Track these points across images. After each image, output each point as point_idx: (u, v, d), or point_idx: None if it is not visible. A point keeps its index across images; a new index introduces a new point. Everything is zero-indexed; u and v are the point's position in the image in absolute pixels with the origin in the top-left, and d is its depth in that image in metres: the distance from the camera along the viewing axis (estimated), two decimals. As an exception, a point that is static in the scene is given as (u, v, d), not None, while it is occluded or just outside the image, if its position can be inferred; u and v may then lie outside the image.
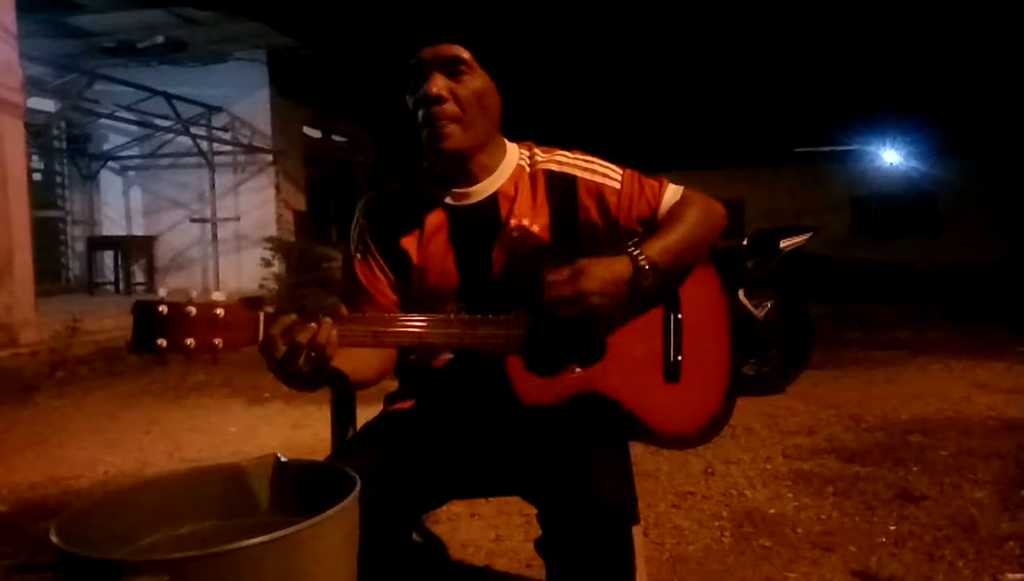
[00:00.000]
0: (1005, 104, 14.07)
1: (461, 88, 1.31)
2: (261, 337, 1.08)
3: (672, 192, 1.44)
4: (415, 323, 1.21)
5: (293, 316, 1.09)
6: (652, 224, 1.42)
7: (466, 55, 1.31)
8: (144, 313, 1.03)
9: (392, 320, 1.21)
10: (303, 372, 1.10)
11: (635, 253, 1.29)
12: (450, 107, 1.30)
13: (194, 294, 1.05)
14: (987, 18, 12.61)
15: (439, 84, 1.29)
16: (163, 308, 1.02)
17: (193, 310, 1.03)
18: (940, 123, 14.62)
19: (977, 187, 16.16)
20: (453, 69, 1.31)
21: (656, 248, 1.31)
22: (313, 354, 1.09)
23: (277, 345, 1.07)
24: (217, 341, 1.05)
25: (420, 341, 1.21)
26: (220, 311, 1.05)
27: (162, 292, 1.04)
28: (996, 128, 14.66)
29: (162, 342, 1.02)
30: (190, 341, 1.03)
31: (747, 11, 12.81)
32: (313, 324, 1.09)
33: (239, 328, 1.07)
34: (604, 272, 1.25)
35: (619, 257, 1.28)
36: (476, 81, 1.32)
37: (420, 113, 1.33)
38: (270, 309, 1.09)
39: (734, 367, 1.48)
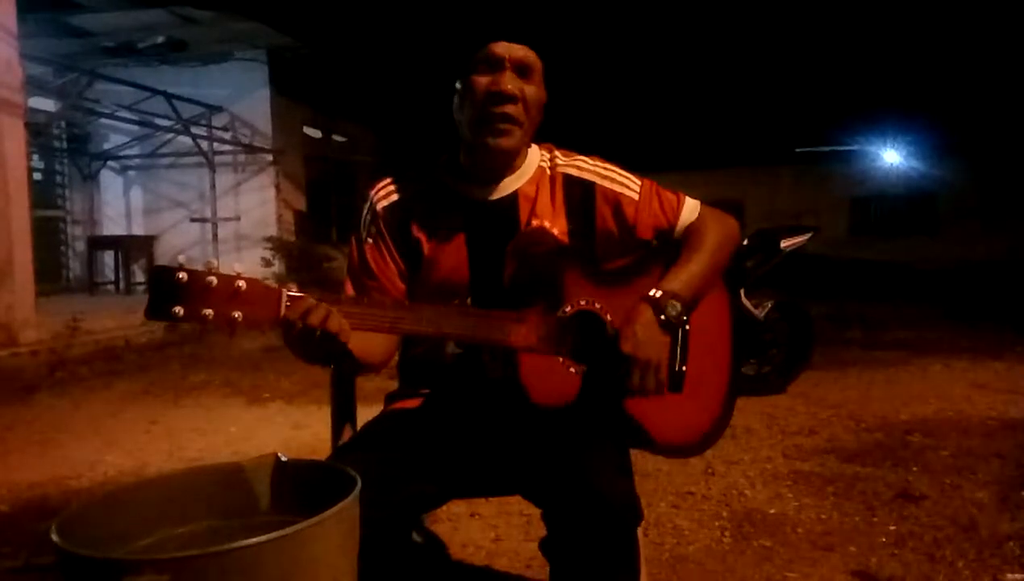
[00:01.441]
0: (1005, 104, 14.07)
1: (529, 92, 1.33)
2: (283, 316, 1.07)
3: (689, 209, 1.45)
4: (433, 311, 1.21)
5: (313, 301, 1.08)
6: (668, 238, 1.44)
7: (539, 64, 1.35)
8: (163, 278, 0.98)
9: (411, 307, 1.21)
10: (318, 353, 1.14)
11: (656, 296, 1.30)
12: (518, 109, 1.32)
13: (215, 264, 1.01)
14: (987, 18, 12.60)
15: (515, 84, 1.31)
16: (183, 275, 0.98)
17: (214, 280, 0.99)
18: (940, 123, 14.61)
19: (977, 187, 16.16)
20: (525, 73, 1.33)
21: (680, 281, 1.33)
22: (329, 339, 1.10)
23: (296, 327, 1.07)
24: (237, 314, 1.01)
25: (437, 330, 1.21)
26: (242, 284, 1.01)
27: (181, 258, 1.01)
28: (996, 128, 14.65)
29: (179, 310, 0.98)
30: (208, 311, 0.99)
31: (747, 11, 12.81)
32: (331, 311, 1.09)
33: (260, 304, 1.04)
34: (644, 332, 1.27)
35: (641, 307, 1.29)
36: (539, 91, 1.36)
37: (482, 104, 1.32)
38: (294, 287, 1.08)
39: (734, 375, 1.48)
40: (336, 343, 1.10)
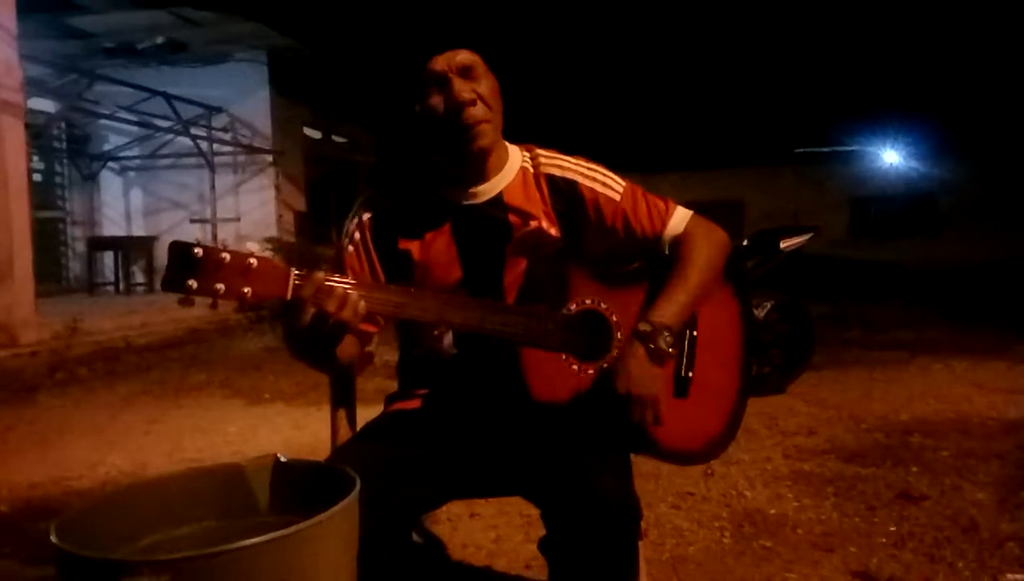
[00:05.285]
0: (1005, 105, 14.07)
1: (482, 88, 1.34)
2: (290, 294, 1.10)
3: (677, 219, 1.44)
4: (438, 300, 1.23)
5: (323, 276, 1.11)
6: (655, 247, 1.43)
7: (478, 59, 1.35)
8: (179, 253, 1.04)
9: (416, 294, 1.23)
10: (319, 337, 1.16)
11: (646, 331, 1.30)
12: (481, 109, 1.33)
13: (229, 242, 1.07)
14: (987, 18, 12.61)
15: (467, 88, 1.32)
16: (198, 250, 1.04)
17: (227, 257, 1.05)
18: (940, 123, 14.61)
19: (977, 187, 16.15)
20: (469, 74, 1.33)
21: (669, 311, 1.33)
22: (337, 320, 1.12)
23: (305, 306, 1.10)
24: (247, 290, 1.06)
25: (440, 318, 1.23)
26: (253, 261, 1.07)
27: (197, 252, 1.06)
28: (996, 128, 14.65)
29: (193, 283, 1.03)
30: (220, 286, 1.04)
31: (747, 11, 12.81)
32: (346, 290, 1.12)
33: (270, 281, 1.08)
34: (639, 369, 1.28)
35: (633, 343, 1.30)
36: (491, 81, 1.36)
37: (448, 121, 1.33)
38: (302, 271, 1.11)
39: (744, 383, 1.48)
40: (338, 328, 1.14)
